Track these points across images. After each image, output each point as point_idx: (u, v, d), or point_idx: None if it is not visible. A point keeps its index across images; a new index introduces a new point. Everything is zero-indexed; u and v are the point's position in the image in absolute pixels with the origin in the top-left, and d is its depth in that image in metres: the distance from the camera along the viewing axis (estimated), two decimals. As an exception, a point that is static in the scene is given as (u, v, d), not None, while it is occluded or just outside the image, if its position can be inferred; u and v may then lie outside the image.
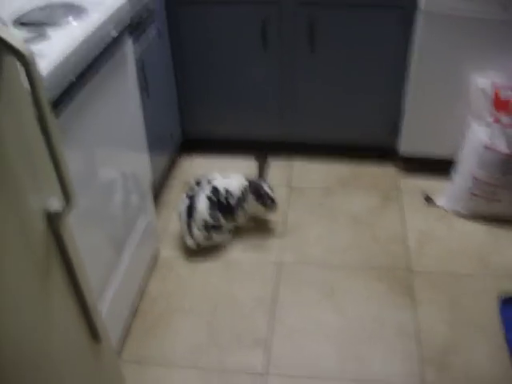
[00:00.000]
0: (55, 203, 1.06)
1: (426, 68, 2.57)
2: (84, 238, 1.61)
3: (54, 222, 1.05)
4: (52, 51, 1.41)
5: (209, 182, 2.40)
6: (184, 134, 2.99)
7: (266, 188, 2.42)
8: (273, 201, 2.44)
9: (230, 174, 2.47)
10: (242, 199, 2.40)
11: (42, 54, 1.36)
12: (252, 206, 2.44)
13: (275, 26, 2.61)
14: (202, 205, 2.35)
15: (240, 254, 2.44)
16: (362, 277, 2.32)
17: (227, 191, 2.37)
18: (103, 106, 1.75)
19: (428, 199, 2.70)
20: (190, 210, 2.37)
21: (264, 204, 2.43)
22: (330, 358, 2.00)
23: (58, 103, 1.39)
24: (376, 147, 2.95)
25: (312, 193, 2.79)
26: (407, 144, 2.81)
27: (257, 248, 2.47)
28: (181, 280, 2.33)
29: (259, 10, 2.57)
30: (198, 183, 2.41)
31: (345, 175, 2.91)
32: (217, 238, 2.42)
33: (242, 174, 2.47)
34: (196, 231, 2.37)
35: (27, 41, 1.44)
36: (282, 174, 2.88)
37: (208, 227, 2.37)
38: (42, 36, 1.46)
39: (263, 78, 2.78)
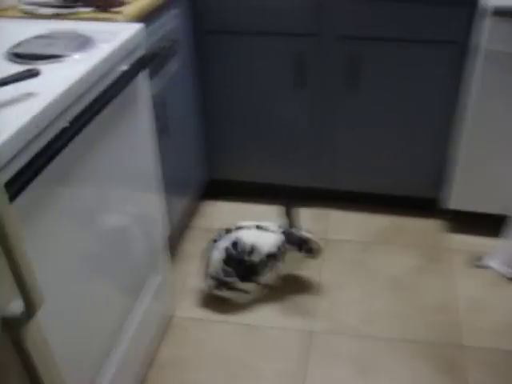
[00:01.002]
0: (14, 307, 0.81)
1: (482, 114, 2.27)
2: (80, 301, 1.41)
3: (12, 328, 0.79)
4: (41, 91, 1.17)
5: (235, 230, 2.13)
6: (208, 176, 2.74)
7: (305, 233, 2.15)
8: (317, 245, 2.18)
9: (267, 224, 2.18)
10: (274, 257, 2.12)
11: (28, 94, 1.12)
12: (292, 259, 2.16)
13: (311, 62, 2.36)
14: (217, 256, 2.10)
15: (265, 318, 2.16)
16: (402, 352, 2.01)
17: (253, 247, 2.08)
18: (109, 149, 1.51)
19: (479, 260, 2.38)
20: (207, 258, 2.15)
21: (309, 251, 2.17)
22: None
23: (47, 151, 1.14)
24: (419, 199, 2.65)
25: (349, 247, 2.50)
26: (455, 197, 2.50)
27: (284, 311, 2.18)
28: (196, 345, 2.05)
29: (295, 44, 2.33)
30: (228, 230, 2.14)
31: (385, 227, 2.61)
32: (229, 294, 2.15)
33: (278, 224, 2.19)
34: (208, 279, 2.13)
35: (14, 77, 1.20)
36: (315, 223, 2.59)
37: (219, 280, 2.10)
38: (32, 71, 1.22)
39: (295, 119, 2.53)
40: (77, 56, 1.39)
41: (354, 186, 2.66)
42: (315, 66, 2.36)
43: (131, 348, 1.76)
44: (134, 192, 1.75)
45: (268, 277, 2.17)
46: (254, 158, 2.67)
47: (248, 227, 2.14)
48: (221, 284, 2.12)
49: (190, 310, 2.20)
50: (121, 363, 1.69)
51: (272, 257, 2.10)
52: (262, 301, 2.22)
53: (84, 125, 1.26)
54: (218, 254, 2.09)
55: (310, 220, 2.60)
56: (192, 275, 2.31)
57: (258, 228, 2.14)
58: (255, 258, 2.09)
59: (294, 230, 2.14)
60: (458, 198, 2.50)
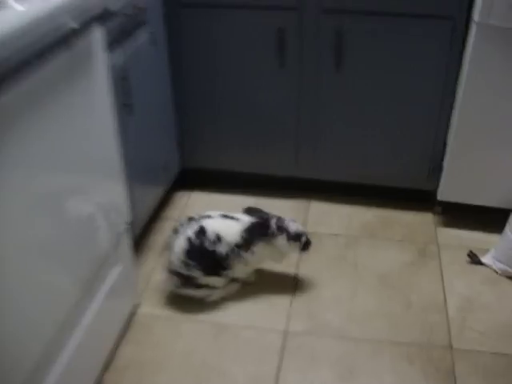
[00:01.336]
0: None
1: (477, 95, 2.10)
2: (23, 286, 1.24)
3: None
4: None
5: (200, 219, 1.92)
6: (181, 165, 2.54)
7: (292, 224, 1.96)
8: (306, 238, 1.99)
9: (234, 214, 1.98)
10: (240, 246, 1.90)
11: None
12: (266, 251, 1.95)
13: (294, 39, 2.17)
14: (178, 247, 1.89)
15: (237, 317, 1.96)
16: (388, 355, 1.82)
17: (218, 236, 1.88)
18: (59, 121, 1.31)
19: (472, 256, 2.20)
20: (169, 247, 1.95)
21: (298, 240, 1.96)
22: None
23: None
24: (410, 190, 2.46)
25: (332, 241, 2.31)
26: (449, 188, 2.32)
27: (258, 310, 1.99)
28: (160, 346, 1.85)
29: (276, 18, 2.14)
30: (191, 218, 1.94)
31: (372, 222, 2.42)
32: (195, 292, 1.95)
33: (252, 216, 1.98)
34: (172, 276, 1.94)
35: None
36: (295, 215, 2.39)
37: (183, 276, 1.90)
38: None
39: (277, 101, 2.33)
40: (17, 5, 1.19)
41: (339, 175, 2.47)
42: (298, 43, 2.18)
43: (84, 346, 1.56)
44: (90, 173, 1.55)
45: (237, 270, 1.96)
46: (230, 145, 2.48)
47: (212, 216, 1.93)
48: (185, 280, 1.91)
49: (154, 307, 2.00)
50: (70, 363, 1.48)
51: (239, 247, 1.90)
52: (234, 298, 2.02)
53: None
54: (179, 246, 1.88)
55: (290, 212, 2.40)
56: (159, 269, 2.10)
57: (224, 217, 1.94)
58: (222, 248, 1.88)
59: (280, 218, 1.95)
60: (449, 188, 2.32)
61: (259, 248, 1.92)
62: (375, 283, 2.10)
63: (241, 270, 1.97)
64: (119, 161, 1.72)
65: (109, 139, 1.65)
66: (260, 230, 1.92)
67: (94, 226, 1.60)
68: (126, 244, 1.84)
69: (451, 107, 2.21)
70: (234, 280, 2.01)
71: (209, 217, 1.93)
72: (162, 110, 2.29)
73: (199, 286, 1.92)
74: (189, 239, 1.87)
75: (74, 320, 1.51)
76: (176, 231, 1.92)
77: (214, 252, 1.88)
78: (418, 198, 2.48)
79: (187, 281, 1.90)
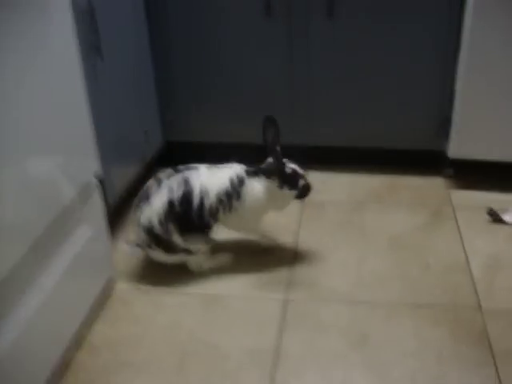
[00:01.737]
0: None
1: (485, 34, 1.89)
2: None
3: None
4: None
5: (185, 170, 1.67)
6: (164, 136, 2.29)
7: (290, 164, 1.70)
8: (305, 181, 1.72)
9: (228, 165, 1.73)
10: (229, 194, 1.65)
11: None
12: (260, 199, 1.68)
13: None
14: (158, 201, 1.62)
15: (229, 288, 1.69)
16: (408, 318, 1.55)
17: (204, 188, 1.63)
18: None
19: (493, 214, 1.94)
20: (145, 198, 1.65)
21: (294, 187, 1.69)
22: None
23: None
24: (417, 152, 2.22)
25: (334, 208, 2.05)
26: (460, 144, 2.09)
27: (254, 280, 1.72)
28: (140, 321, 1.57)
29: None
30: (176, 170, 1.68)
31: (377, 188, 2.17)
32: (160, 255, 1.68)
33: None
34: (141, 233, 1.66)
35: None
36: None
37: (153, 235, 1.64)
38: None
39: (266, 59, 2.12)
40: None
41: (337, 140, 2.23)
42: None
43: (43, 319, 1.29)
44: (53, 117, 1.32)
45: (229, 223, 1.71)
46: (217, 113, 2.24)
47: (199, 167, 1.68)
48: (155, 241, 1.64)
49: (133, 282, 1.74)
50: (22, 338, 1.21)
51: (223, 195, 1.64)
52: (226, 271, 1.75)
53: None
54: (159, 198, 1.62)
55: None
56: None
57: (209, 168, 1.69)
58: (205, 203, 1.63)
59: (277, 160, 1.68)
60: (461, 144, 2.09)
61: (250, 192, 1.66)
62: (386, 246, 1.84)
63: (233, 223, 1.71)
64: (86, 105, 1.48)
65: (73, 80, 1.42)
66: (251, 171, 1.67)
67: (55, 167, 1.35)
68: (97, 204, 1.58)
69: (457, 51, 1.98)
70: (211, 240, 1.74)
71: (195, 168, 1.67)
72: (139, 60, 2.04)
73: (174, 251, 1.65)
74: (171, 190, 1.61)
75: (30, 281, 1.25)
76: (158, 182, 1.66)
77: (199, 207, 1.62)
78: (427, 161, 2.24)
79: (160, 242, 1.64)
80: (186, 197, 1.61)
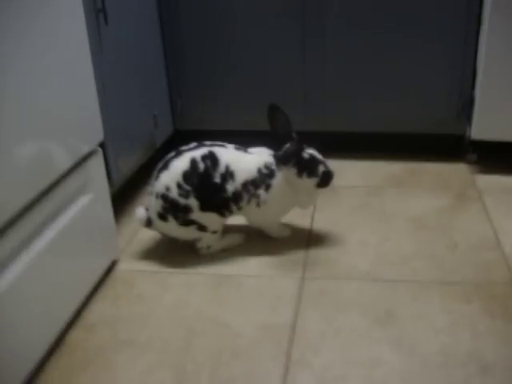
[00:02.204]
0: None
1: (508, 14, 1.79)
2: None
3: None
4: None
5: (212, 146, 1.55)
6: (174, 123, 2.20)
7: (308, 150, 1.57)
8: (328, 166, 1.58)
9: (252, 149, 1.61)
10: (253, 183, 1.54)
11: None
12: (287, 191, 1.56)
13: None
14: (176, 168, 1.51)
15: (241, 267, 1.56)
16: (437, 295, 1.41)
17: (227, 168, 1.51)
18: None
19: (523, 196, 1.81)
20: (163, 168, 1.54)
21: (313, 174, 1.54)
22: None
23: None
24: (438, 137, 2.11)
25: (352, 192, 1.94)
26: (484, 124, 1.98)
27: (268, 260, 1.60)
28: (143, 301, 1.45)
29: None
30: (202, 144, 1.56)
31: (397, 174, 2.06)
32: (177, 230, 1.55)
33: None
34: (153, 200, 1.54)
35: None
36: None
37: (169, 203, 1.51)
38: None
39: (278, 43, 2.02)
40: None
41: (353, 126, 2.12)
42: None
43: (38, 294, 1.18)
44: (57, 82, 1.25)
45: (249, 213, 1.59)
46: (228, 99, 2.15)
47: (227, 146, 1.56)
48: (173, 209, 1.52)
49: (137, 263, 1.61)
50: (19, 314, 1.10)
51: (250, 184, 1.53)
52: (237, 251, 1.63)
53: None
54: (178, 166, 1.51)
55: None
56: (144, 231, 1.71)
57: (238, 149, 1.57)
58: (231, 186, 1.51)
59: (292, 146, 1.54)
60: (484, 124, 1.98)
61: (280, 184, 1.55)
62: (408, 226, 1.72)
63: (256, 216, 1.59)
64: (91, 72, 1.40)
65: (79, 44, 1.35)
66: (286, 158, 1.53)
67: (57, 132, 1.26)
68: (101, 175, 1.48)
69: (478, 30, 1.89)
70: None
71: (223, 146, 1.56)
72: (147, 32, 1.95)
73: (187, 223, 1.53)
74: (193, 161, 1.50)
75: (25, 247, 1.14)
76: (179, 152, 1.54)
77: (220, 186, 1.50)
78: (449, 146, 2.13)
79: (175, 210, 1.51)
80: (209, 170, 1.49)
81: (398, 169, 2.08)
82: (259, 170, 1.53)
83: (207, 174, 1.49)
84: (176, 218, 1.51)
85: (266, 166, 1.54)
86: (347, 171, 2.08)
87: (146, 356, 1.26)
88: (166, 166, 1.52)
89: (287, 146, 1.54)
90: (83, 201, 1.39)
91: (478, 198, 1.86)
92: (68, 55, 1.30)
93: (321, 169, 1.55)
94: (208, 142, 1.55)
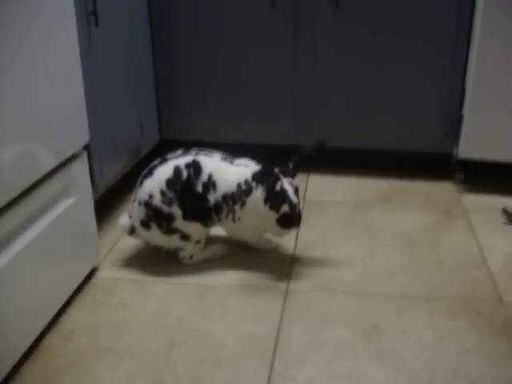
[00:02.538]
0: None
1: (497, 29, 1.82)
2: None
3: None
4: None
5: (198, 154, 1.51)
6: (160, 133, 2.18)
7: (285, 184, 1.46)
8: (295, 210, 1.46)
9: (239, 160, 1.56)
10: (231, 197, 1.50)
11: None
12: (256, 213, 1.49)
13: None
14: (160, 175, 1.48)
15: (223, 279, 1.53)
16: (423, 311, 1.39)
17: (210, 178, 1.48)
18: None
19: (508, 214, 1.81)
20: (147, 175, 1.52)
21: (274, 208, 1.44)
22: None
23: None
24: (426, 155, 2.11)
25: (338, 208, 1.92)
26: (471, 143, 1.98)
27: (251, 271, 1.56)
28: (123, 308, 1.41)
29: None
30: (187, 151, 1.53)
31: (384, 191, 2.05)
32: (160, 238, 1.53)
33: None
34: (136, 208, 1.52)
35: None
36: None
37: (151, 208, 1.48)
38: None
39: (268, 52, 2.02)
40: None
41: (340, 142, 2.11)
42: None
43: (14, 299, 1.14)
44: (46, 83, 1.23)
45: (225, 226, 1.56)
46: (217, 111, 2.14)
47: (211, 155, 1.53)
48: (156, 217, 1.49)
49: (118, 271, 1.58)
50: None
51: (229, 197, 1.50)
52: (221, 262, 1.61)
53: None
54: (163, 171, 1.48)
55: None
56: (126, 240, 1.68)
57: (223, 160, 1.53)
58: (210, 196, 1.48)
59: (275, 171, 1.46)
60: (471, 143, 1.98)
61: (250, 203, 1.49)
62: (395, 242, 1.70)
63: (233, 230, 1.57)
64: (80, 73, 1.38)
65: (69, 44, 1.33)
66: (260, 178, 1.48)
67: (43, 133, 1.23)
68: (84, 177, 1.45)
69: (467, 49, 1.91)
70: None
71: (209, 154, 1.53)
72: (137, 36, 1.94)
73: (170, 231, 1.50)
74: (177, 168, 1.47)
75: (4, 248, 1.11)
76: (164, 160, 1.51)
77: (202, 195, 1.48)
78: (436, 165, 2.13)
79: (158, 218, 1.48)
80: (191, 178, 1.47)
81: (385, 186, 2.07)
82: (238, 185, 1.48)
83: (190, 183, 1.46)
84: (159, 226, 1.48)
85: (246, 182, 1.48)
86: (334, 187, 2.07)
87: (125, 364, 1.22)
88: (150, 173, 1.50)
89: (270, 168, 1.46)
90: (65, 204, 1.36)
91: (464, 216, 1.86)
92: (57, 56, 1.28)
93: (283, 208, 1.44)
94: (194, 150, 1.53)
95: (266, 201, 1.44)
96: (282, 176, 1.45)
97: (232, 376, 1.18)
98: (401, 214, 1.88)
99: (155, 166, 1.50)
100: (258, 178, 1.47)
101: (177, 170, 1.46)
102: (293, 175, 1.51)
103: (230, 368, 1.20)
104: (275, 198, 1.43)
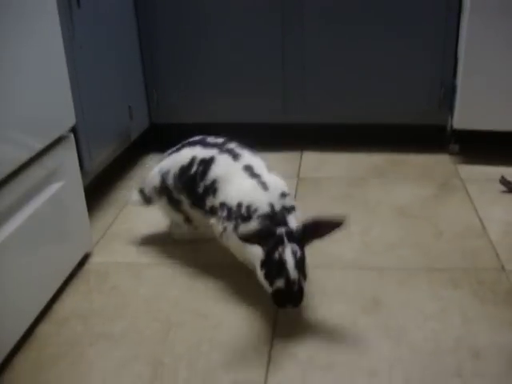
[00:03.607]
0: None
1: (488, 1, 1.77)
2: None
3: None
4: None
5: (220, 149, 1.37)
6: (150, 117, 2.13)
7: (286, 253, 1.14)
8: (292, 287, 1.15)
9: (267, 178, 1.31)
10: (231, 214, 1.28)
11: None
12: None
13: None
14: (183, 156, 1.41)
15: (218, 258, 1.49)
16: (425, 282, 1.36)
17: (213, 185, 1.33)
18: None
19: (505, 182, 1.78)
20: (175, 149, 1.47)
21: (270, 281, 1.17)
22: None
23: None
24: (420, 128, 2.08)
25: (333, 184, 1.89)
26: (466, 113, 1.95)
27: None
28: (117, 294, 1.37)
29: None
30: (212, 144, 1.41)
31: (379, 165, 2.02)
32: (164, 206, 1.48)
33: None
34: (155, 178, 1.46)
35: None
36: (286, 167, 1.98)
37: (164, 188, 1.44)
38: None
39: (256, 31, 1.98)
40: None
41: (333, 117, 2.07)
42: None
43: (5, 286, 1.10)
44: (30, 65, 1.20)
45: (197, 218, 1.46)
46: (208, 91, 2.09)
47: (239, 159, 1.34)
48: (165, 191, 1.44)
49: (111, 256, 1.54)
50: None
51: (226, 209, 1.31)
52: (215, 243, 1.55)
53: None
54: (183, 155, 1.41)
55: (279, 163, 1.98)
56: (118, 224, 1.65)
57: (247, 168, 1.32)
58: (208, 202, 1.35)
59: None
60: (466, 113, 1.95)
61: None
62: (392, 216, 1.67)
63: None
64: (63, 56, 1.34)
65: (50, 25, 1.29)
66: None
67: (29, 115, 1.19)
68: (72, 163, 1.41)
69: (459, 18, 1.87)
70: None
71: (238, 156, 1.35)
72: (122, 19, 1.89)
73: (177, 210, 1.46)
74: (192, 160, 1.37)
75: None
76: (195, 142, 1.43)
77: (201, 197, 1.36)
78: (431, 137, 2.09)
79: (169, 195, 1.44)
80: (197, 177, 1.36)
81: (380, 160, 2.04)
82: (239, 205, 1.26)
83: (194, 180, 1.36)
84: (170, 200, 1.45)
85: (248, 208, 1.24)
86: (328, 163, 2.04)
87: (121, 349, 1.19)
88: (178, 149, 1.44)
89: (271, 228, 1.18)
90: (54, 188, 1.33)
91: (462, 187, 1.83)
92: (38, 37, 1.24)
93: (278, 283, 1.14)
94: (233, 144, 1.38)
95: (262, 266, 1.18)
96: (286, 240, 1.15)
97: (231, 356, 1.15)
98: (397, 187, 1.84)
99: (186, 145, 1.43)
100: (242, 236, 1.18)
101: (191, 162, 1.37)
102: (302, 241, 1.18)
103: (228, 348, 1.17)
104: (270, 268, 1.16)
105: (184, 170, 1.38)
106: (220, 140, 1.40)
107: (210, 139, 1.41)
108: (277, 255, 1.14)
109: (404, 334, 1.19)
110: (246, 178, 1.29)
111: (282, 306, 1.17)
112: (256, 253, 1.19)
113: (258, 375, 1.09)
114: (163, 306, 1.32)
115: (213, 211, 1.34)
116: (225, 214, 1.29)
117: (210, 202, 1.33)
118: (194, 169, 1.36)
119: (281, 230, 1.16)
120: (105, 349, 1.19)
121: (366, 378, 1.08)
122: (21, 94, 1.17)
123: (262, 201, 1.23)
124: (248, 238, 1.17)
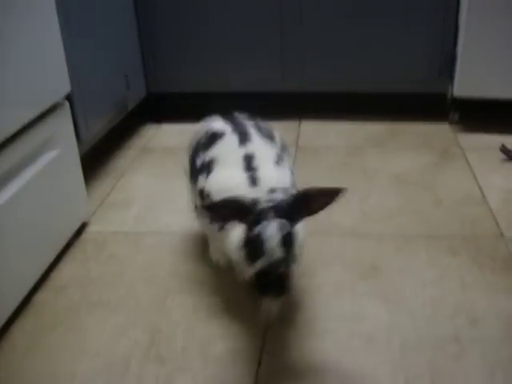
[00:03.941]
0: None
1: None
2: None
3: None
4: None
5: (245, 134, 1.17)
6: (147, 86, 2.11)
7: (268, 229, 0.92)
8: (275, 270, 0.92)
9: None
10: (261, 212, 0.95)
11: None
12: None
13: None
14: (202, 130, 1.23)
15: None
16: (423, 249, 1.36)
17: (208, 163, 1.15)
18: None
19: (506, 151, 1.76)
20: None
21: (249, 262, 0.95)
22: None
23: None
24: (420, 96, 2.05)
25: (331, 152, 1.87)
26: (466, 81, 1.92)
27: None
28: (114, 262, 1.37)
29: None
30: (238, 124, 1.21)
31: (378, 134, 2.00)
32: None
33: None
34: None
35: None
36: (284, 135, 1.95)
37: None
38: None
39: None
40: None
41: (331, 86, 2.05)
42: None
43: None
44: (22, 33, 1.14)
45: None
46: (202, 60, 2.06)
47: (255, 141, 1.17)
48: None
49: (109, 225, 1.53)
50: None
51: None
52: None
53: None
54: (206, 127, 1.23)
55: (278, 132, 1.95)
56: (116, 194, 1.64)
57: (247, 168, 1.11)
58: (200, 181, 1.17)
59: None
60: (466, 81, 1.92)
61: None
62: (391, 183, 1.66)
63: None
64: (56, 18, 1.32)
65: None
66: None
67: (22, 81, 1.17)
68: (68, 131, 1.40)
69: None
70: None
71: (257, 144, 1.16)
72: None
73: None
74: (206, 133, 1.22)
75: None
76: (222, 118, 1.24)
77: (197, 171, 1.19)
78: (430, 106, 2.06)
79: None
80: (199, 147, 1.20)
81: (379, 129, 2.02)
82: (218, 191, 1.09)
83: (197, 150, 1.21)
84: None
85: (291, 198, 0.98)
86: (327, 132, 2.02)
87: (118, 316, 1.19)
88: (210, 118, 1.27)
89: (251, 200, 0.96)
90: (49, 156, 1.31)
91: (462, 155, 1.82)
92: (31, 2, 1.20)
93: (257, 265, 0.92)
94: (251, 127, 1.20)
95: (241, 247, 0.97)
96: (270, 215, 0.93)
97: (228, 323, 1.15)
98: (396, 156, 1.83)
99: (214, 119, 1.26)
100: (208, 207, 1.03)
101: (205, 134, 1.20)
102: (293, 216, 0.95)
103: (225, 315, 1.17)
104: (250, 248, 0.94)
105: (198, 142, 1.22)
106: (246, 120, 1.24)
107: (241, 116, 1.25)
108: (256, 231, 0.92)
109: (402, 300, 1.19)
110: (239, 170, 1.10)
111: (263, 293, 0.95)
112: (233, 238, 1.02)
113: (255, 342, 1.09)
114: (160, 273, 1.31)
115: (201, 194, 1.15)
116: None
117: (201, 183, 1.15)
118: (203, 139, 1.20)
119: (266, 203, 0.95)
120: (102, 316, 1.19)
121: (363, 344, 1.08)
122: (13, 60, 1.15)
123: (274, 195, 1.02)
124: (217, 211, 0.97)
